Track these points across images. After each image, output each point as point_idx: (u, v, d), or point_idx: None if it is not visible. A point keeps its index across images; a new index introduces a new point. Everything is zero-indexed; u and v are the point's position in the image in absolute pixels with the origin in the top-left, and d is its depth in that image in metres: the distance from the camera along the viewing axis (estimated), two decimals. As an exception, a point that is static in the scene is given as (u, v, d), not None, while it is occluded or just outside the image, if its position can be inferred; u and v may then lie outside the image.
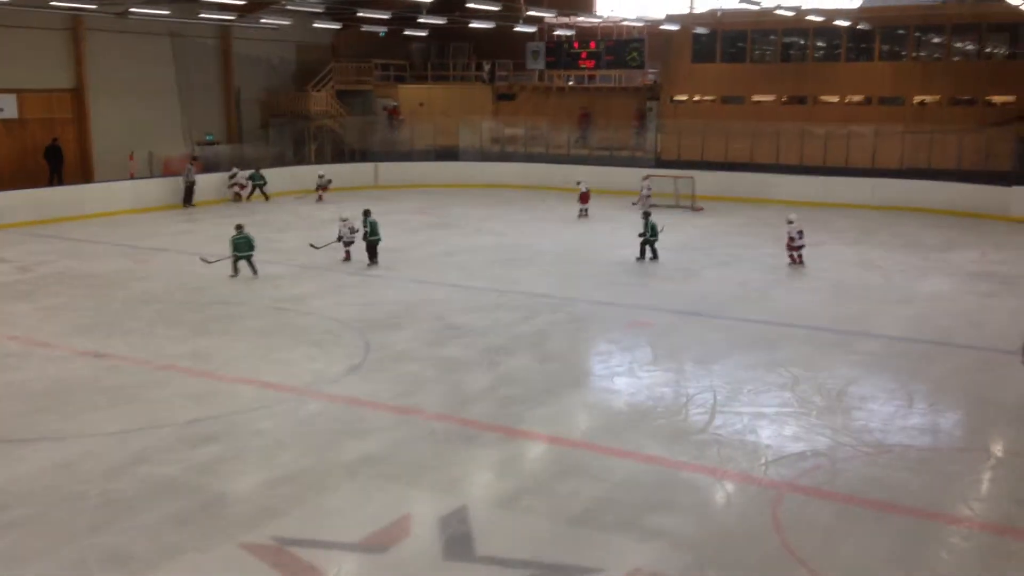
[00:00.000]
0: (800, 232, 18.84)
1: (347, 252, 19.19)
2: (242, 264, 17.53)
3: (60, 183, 26.57)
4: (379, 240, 18.77)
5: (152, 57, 29.94)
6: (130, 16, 26.52)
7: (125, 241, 21.74)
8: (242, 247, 17.48)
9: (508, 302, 15.86)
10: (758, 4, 26.53)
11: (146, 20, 27.60)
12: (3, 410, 10.55)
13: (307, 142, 33.86)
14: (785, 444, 9.71)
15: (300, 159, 33.46)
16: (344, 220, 19.30)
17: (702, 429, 10.11)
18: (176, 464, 9.05)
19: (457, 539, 7.64)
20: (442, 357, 12.69)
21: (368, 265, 18.59)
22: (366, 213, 18.95)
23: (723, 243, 21.97)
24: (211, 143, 31.25)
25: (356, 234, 19.14)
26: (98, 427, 10.03)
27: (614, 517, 8.02)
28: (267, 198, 28.96)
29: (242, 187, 28.65)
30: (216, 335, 13.71)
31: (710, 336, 13.84)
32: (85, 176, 27.99)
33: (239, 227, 17.83)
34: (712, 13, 32.25)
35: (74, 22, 27.43)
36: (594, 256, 20.21)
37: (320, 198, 28.57)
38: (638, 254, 19.61)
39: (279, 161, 32.56)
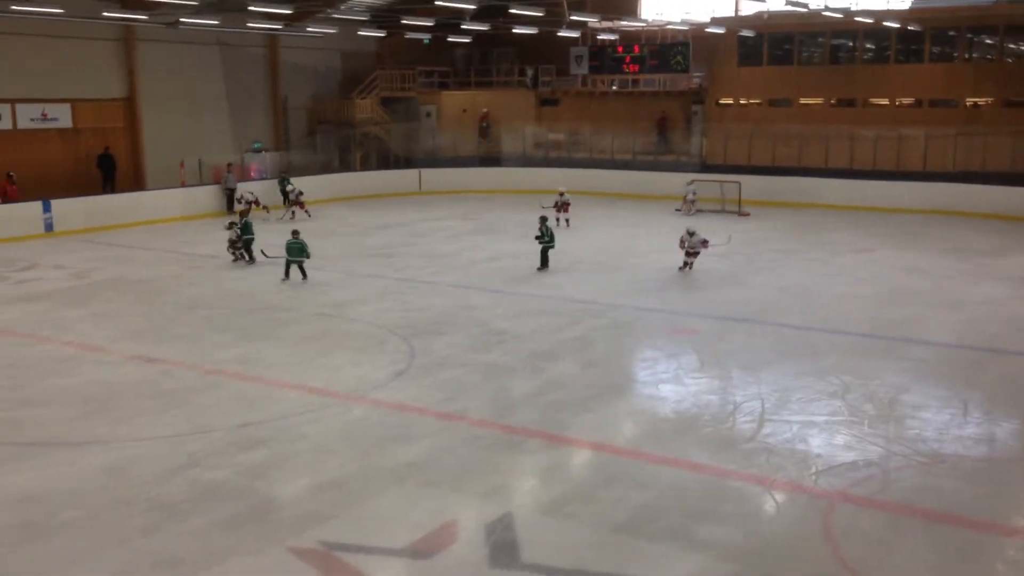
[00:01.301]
0: (705, 241, 18.47)
1: (240, 254, 19.54)
2: (293, 270, 17.82)
3: (113, 191, 27.14)
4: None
5: (201, 66, 30.47)
6: (180, 26, 26.98)
7: (175, 248, 22.10)
8: (293, 252, 17.76)
9: (551, 308, 15.82)
10: (805, 6, 26.21)
11: (196, 30, 28.07)
12: (57, 414, 10.75)
13: (352, 149, 34.16)
14: (836, 453, 9.54)
15: (346, 166, 33.77)
16: (230, 227, 19.60)
17: (750, 437, 9.98)
18: (225, 468, 9.15)
19: (502, 546, 7.62)
20: (486, 363, 12.68)
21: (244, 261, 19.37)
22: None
23: (770, 248, 21.71)
24: (259, 151, 31.66)
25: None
26: (149, 431, 10.18)
27: (660, 526, 7.94)
28: (307, 212, 27.72)
29: (251, 202, 26.01)
30: (263, 340, 13.86)
31: (757, 343, 13.67)
32: (137, 184, 28.54)
33: (295, 232, 18.19)
34: (758, 15, 31.92)
35: (126, 32, 28.00)
36: (638, 262, 20.09)
37: (293, 215, 26.07)
38: (539, 263, 18.89)
39: (326, 168, 32.94)
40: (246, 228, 19.66)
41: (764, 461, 9.29)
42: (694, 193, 27.20)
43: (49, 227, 23.36)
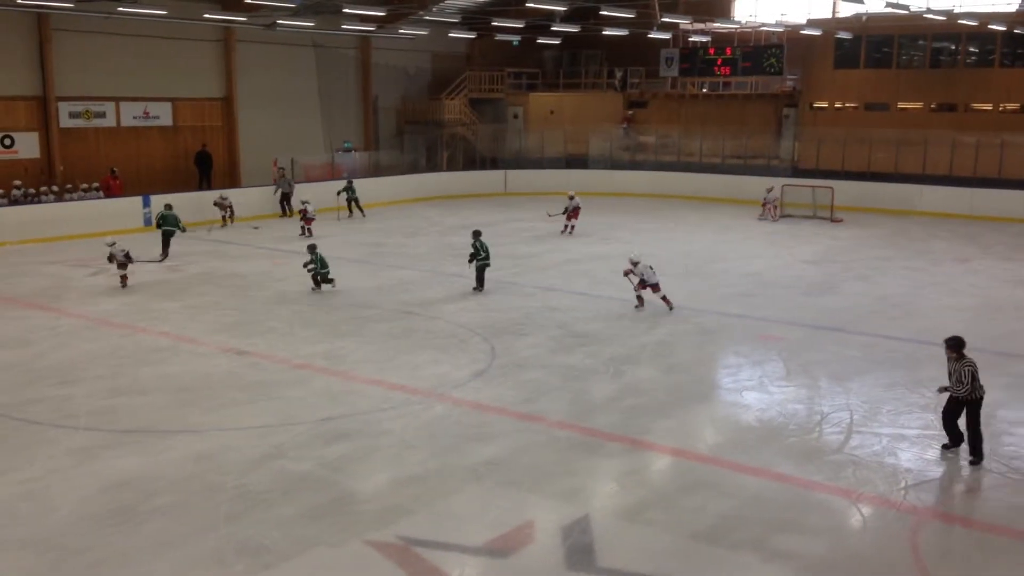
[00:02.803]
0: (651, 268, 15.63)
1: (122, 277, 17.41)
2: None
3: (209, 187, 27.99)
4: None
5: (296, 67, 31.21)
6: (277, 28, 27.70)
7: (266, 244, 22.68)
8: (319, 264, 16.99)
9: (633, 312, 15.69)
10: (906, 8, 25.40)
11: (292, 32, 28.76)
12: (153, 402, 11.15)
13: (439, 149, 34.52)
14: (927, 468, 9.23)
15: (432, 166, 34.15)
16: (111, 244, 17.50)
17: (837, 449, 9.72)
18: (309, 460, 9.34)
19: (579, 549, 7.59)
20: (566, 365, 12.65)
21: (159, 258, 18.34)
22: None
23: (863, 256, 21.11)
24: (349, 150, 32.26)
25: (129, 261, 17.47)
26: (238, 421, 10.47)
27: (740, 535, 7.80)
28: (363, 212, 27.02)
29: (224, 209, 25.02)
30: (348, 336, 14.11)
31: (847, 352, 13.30)
32: (232, 181, 29.39)
33: (311, 247, 17.28)
34: (857, 17, 31.02)
35: (225, 34, 28.88)
36: (724, 267, 19.77)
37: (309, 232, 23.55)
38: (475, 284, 16.95)
39: (413, 168, 33.37)
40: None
41: (851, 474, 9.04)
42: (775, 199, 26.65)
43: (148, 221, 24.23)
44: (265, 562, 7.36)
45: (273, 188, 27.40)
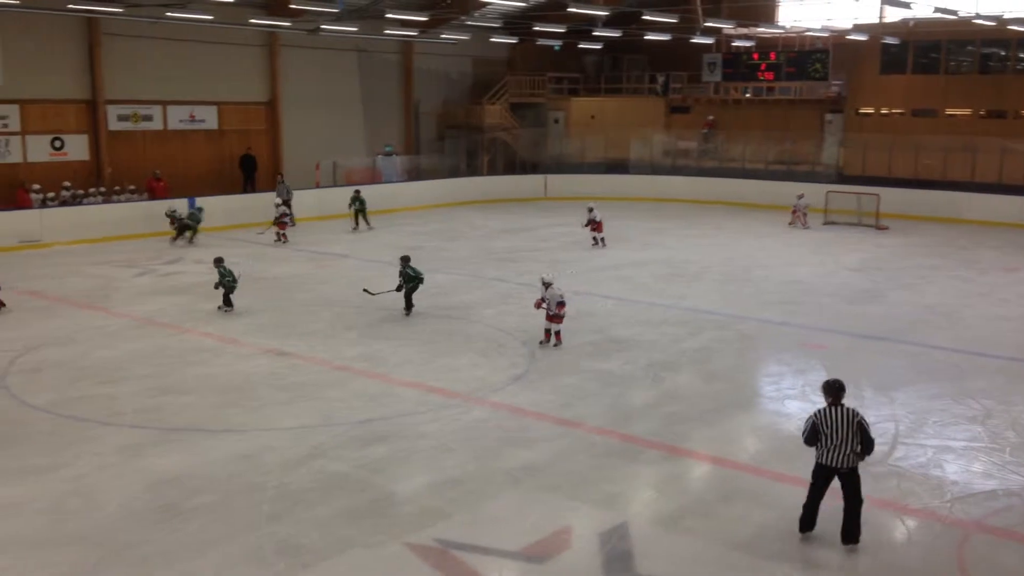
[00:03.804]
0: (562, 303, 13.56)
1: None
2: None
3: (253, 190, 28.34)
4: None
5: (339, 72, 31.50)
6: (321, 33, 27.98)
7: (308, 246, 22.90)
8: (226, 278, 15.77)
9: (673, 317, 15.59)
10: (955, 13, 24.99)
11: (335, 37, 29.02)
12: (197, 401, 11.31)
13: (480, 154, 34.62)
14: (974, 481, 9.04)
15: (473, 171, 34.25)
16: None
17: (881, 460, 9.55)
18: (348, 461, 9.41)
19: (617, 556, 7.55)
20: (604, 370, 12.60)
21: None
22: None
23: (909, 264, 20.78)
24: (390, 154, 32.48)
25: None
26: (278, 422, 10.58)
27: (781, 546, 7.70)
28: (368, 224, 25.68)
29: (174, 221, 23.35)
30: (388, 339, 14.19)
31: (892, 362, 13.09)
32: (275, 184, 29.66)
33: (217, 261, 16.01)
34: (904, 22, 30.61)
35: (270, 39, 29.23)
36: (766, 274, 19.57)
37: (284, 238, 23.36)
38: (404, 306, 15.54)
39: (453, 172, 33.50)
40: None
41: (895, 485, 8.90)
42: (805, 206, 26.32)
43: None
44: (304, 562, 7.42)
45: (276, 195, 25.84)
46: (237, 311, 15.82)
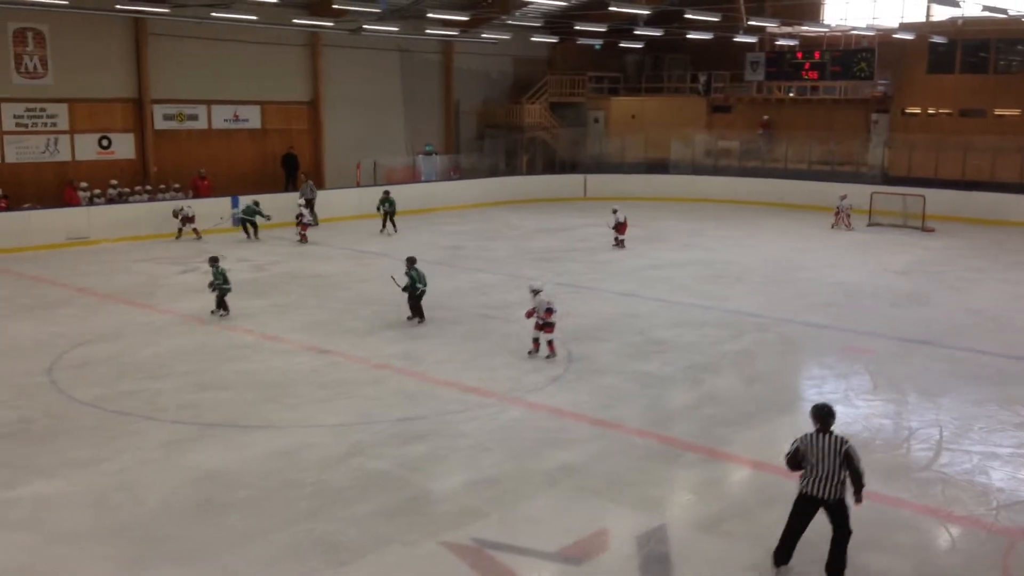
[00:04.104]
0: (550, 304, 12.95)
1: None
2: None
3: (295, 189, 28.58)
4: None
5: (380, 71, 31.68)
6: (363, 33, 28.16)
7: (348, 245, 23.06)
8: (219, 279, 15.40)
9: (714, 319, 15.45)
10: (1005, 12, 24.48)
11: (377, 36, 29.20)
12: (237, 397, 11.43)
13: (519, 153, 34.62)
14: (1020, 488, 8.85)
15: (512, 170, 34.25)
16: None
17: (925, 466, 9.40)
18: (387, 459, 9.44)
19: (655, 558, 7.49)
20: (644, 372, 12.53)
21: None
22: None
23: (956, 267, 20.40)
24: (430, 153, 32.61)
25: None
26: (317, 419, 10.66)
27: (823, 551, 7.56)
28: (395, 228, 24.78)
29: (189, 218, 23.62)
30: (427, 338, 14.23)
31: (938, 366, 12.85)
32: (316, 183, 29.91)
33: (214, 260, 15.63)
34: (952, 21, 30.03)
35: (313, 39, 29.47)
36: (809, 276, 19.33)
37: (304, 238, 23.50)
38: (411, 313, 15.02)
39: (492, 171, 33.54)
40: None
41: (940, 492, 8.73)
42: (849, 207, 25.93)
43: (236, 222, 24.89)
44: (342, 559, 7.46)
45: (299, 196, 25.68)
46: (279, 307, 15.97)
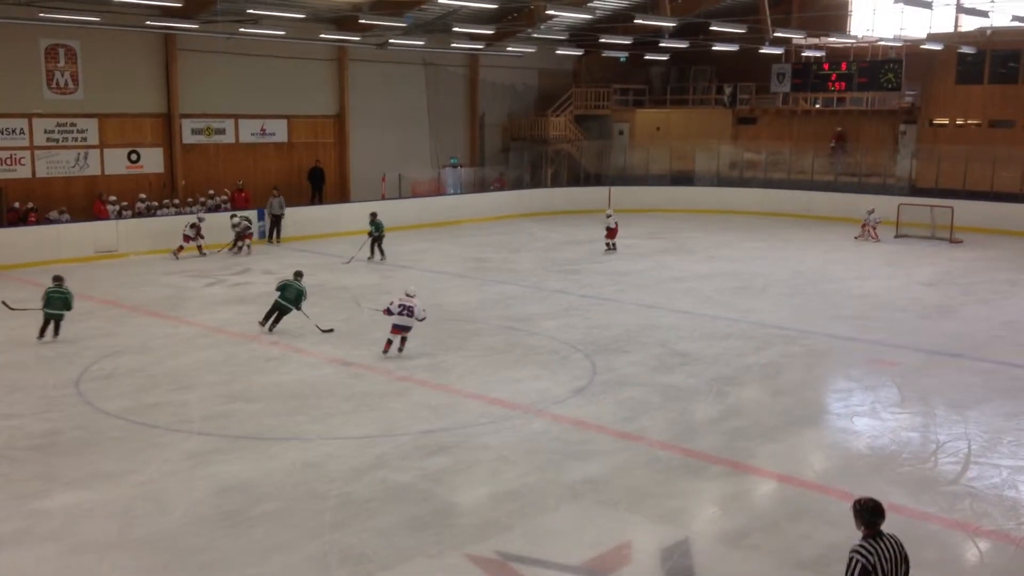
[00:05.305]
0: (413, 312, 13.53)
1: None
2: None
3: (321, 202, 28.83)
4: None
5: (406, 85, 31.89)
6: (389, 47, 28.37)
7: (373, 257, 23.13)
8: (55, 303, 14.55)
9: (739, 331, 15.37)
10: (1034, 20, 24.26)
11: (403, 50, 29.41)
12: (264, 409, 11.51)
13: (544, 165, 34.69)
14: (1052, 504, 8.72)
15: (536, 182, 34.32)
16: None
17: (953, 480, 9.28)
18: (411, 471, 9.47)
19: (678, 572, 7.45)
20: (668, 384, 12.48)
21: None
22: None
23: (985, 279, 20.17)
24: (455, 166, 32.74)
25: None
26: (342, 431, 10.71)
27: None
28: (383, 255, 22.62)
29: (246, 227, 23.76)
30: (451, 350, 14.26)
31: (966, 379, 12.71)
32: (342, 196, 30.17)
33: (57, 279, 14.90)
34: (980, 31, 29.77)
35: (339, 53, 29.73)
36: (835, 287, 19.19)
37: (249, 248, 23.58)
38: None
39: (517, 184, 33.61)
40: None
41: (968, 506, 8.62)
42: (876, 220, 25.72)
43: (263, 235, 25.09)
44: (367, 571, 7.48)
45: (266, 212, 25.42)
46: (305, 319, 16.09)
